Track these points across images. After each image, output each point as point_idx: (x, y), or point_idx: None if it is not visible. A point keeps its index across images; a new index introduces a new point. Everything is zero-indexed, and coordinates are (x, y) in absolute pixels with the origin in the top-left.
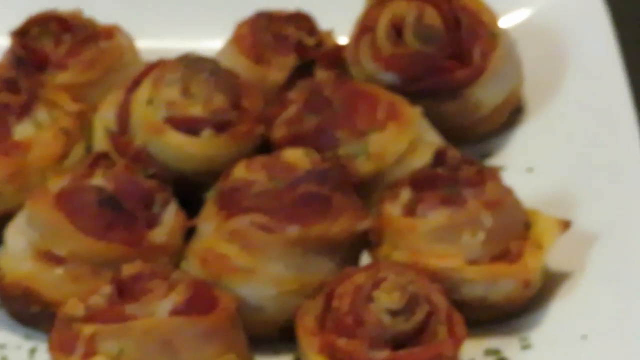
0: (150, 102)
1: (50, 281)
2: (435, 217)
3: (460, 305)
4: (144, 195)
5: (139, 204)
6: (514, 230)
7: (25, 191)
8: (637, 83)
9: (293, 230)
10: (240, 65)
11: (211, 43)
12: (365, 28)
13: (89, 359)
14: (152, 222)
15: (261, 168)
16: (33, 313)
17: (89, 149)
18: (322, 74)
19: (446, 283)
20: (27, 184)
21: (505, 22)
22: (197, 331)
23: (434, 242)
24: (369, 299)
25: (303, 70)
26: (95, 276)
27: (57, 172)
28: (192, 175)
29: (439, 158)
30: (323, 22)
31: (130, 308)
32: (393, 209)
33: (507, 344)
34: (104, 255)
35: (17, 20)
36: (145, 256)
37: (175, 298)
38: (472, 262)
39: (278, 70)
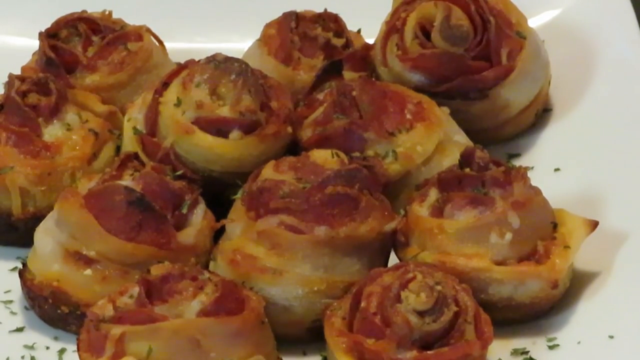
0: (179, 103)
1: (79, 282)
2: (463, 217)
3: (487, 305)
4: (173, 196)
5: (168, 205)
6: (542, 231)
7: (55, 192)
8: None
9: (321, 231)
10: (268, 66)
11: (239, 44)
12: (392, 28)
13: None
14: (181, 223)
15: (289, 169)
16: (62, 314)
17: (118, 150)
18: (350, 75)
19: (474, 283)
20: (57, 185)
21: (532, 23)
22: (225, 332)
23: (461, 242)
24: (397, 299)
25: (331, 71)
26: (124, 277)
27: (87, 174)
28: (221, 176)
29: (467, 158)
30: (351, 23)
31: (159, 309)
32: (421, 210)
33: (534, 345)
34: (132, 256)
35: (46, 21)
36: (173, 257)
37: (204, 299)
38: (500, 262)
39: (306, 71)
